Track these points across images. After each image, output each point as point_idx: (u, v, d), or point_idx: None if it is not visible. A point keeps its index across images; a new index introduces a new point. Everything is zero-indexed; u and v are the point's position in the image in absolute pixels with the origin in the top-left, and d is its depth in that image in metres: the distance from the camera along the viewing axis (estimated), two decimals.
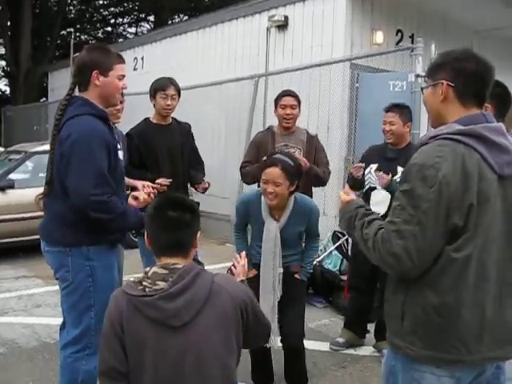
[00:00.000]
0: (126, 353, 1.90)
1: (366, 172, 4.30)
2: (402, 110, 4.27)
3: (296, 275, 3.57)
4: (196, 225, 2.07)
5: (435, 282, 1.81)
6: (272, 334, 3.38)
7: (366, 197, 4.27)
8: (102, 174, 2.75)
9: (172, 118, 4.49)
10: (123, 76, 2.93)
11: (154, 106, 4.38)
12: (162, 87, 4.31)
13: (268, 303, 3.43)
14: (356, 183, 4.28)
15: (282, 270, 3.48)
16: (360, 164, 4.29)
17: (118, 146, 3.04)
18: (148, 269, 1.98)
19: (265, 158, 3.99)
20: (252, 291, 2.21)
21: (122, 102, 4.03)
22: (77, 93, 2.92)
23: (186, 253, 2.02)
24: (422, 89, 2.08)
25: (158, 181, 3.92)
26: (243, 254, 2.61)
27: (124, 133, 4.27)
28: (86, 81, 2.85)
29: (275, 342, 3.47)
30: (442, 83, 1.93)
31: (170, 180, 4.04)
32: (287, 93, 4.68)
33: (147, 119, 4.49)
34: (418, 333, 1.85)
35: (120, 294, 1.97)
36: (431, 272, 1.80)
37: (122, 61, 2.94)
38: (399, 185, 1.92)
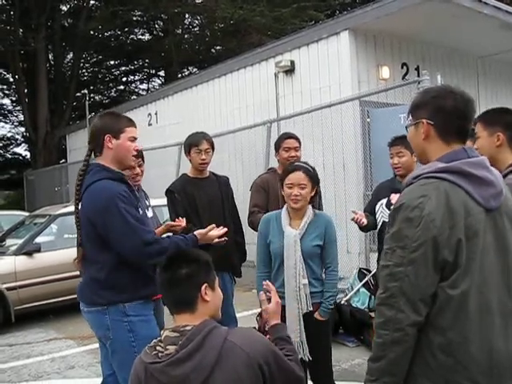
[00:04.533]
0: None
1: (376, 209, 4.33)
2: (407, 141, 4.32)
3: (315, 314, 3.44)
4: (198, 277, 2.01)
5: (436, 321, 1.80)
6: (301, 346, 3.39)
7: (382, 232, 4.24)
8: (141, 223, 2.90)
9: (209, 171, 4.53)
10: (135, 138, 3.05)
11: (190, 161, 4.43)
12: (195, 143, 4.36)
13: (293, 314, 3.40)
14: (367, 228, 4.33)
15: (306, 282, 3.41)
16: (357, 215, 4.15)
17: (143, 205, 3.13)
18: (162, 332, 1.99)
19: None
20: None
21: (140, 166, 4.07)
22: (93, 159, 3.05)
23: (191, 309, 1.99)
24: (406, 127, 2.10)
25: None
26: (269, 285, 2.55)
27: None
28: (100, 146, 2.98)
29: (305, 354, 3.41)
30: (423, 122, 1.96)
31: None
32: (290, 135, 4.70)
33: (185, 174, 4.53)
34: (428, 376, 1.83)
35: (138, 361, 1.99)
36: (431, 312, 1.80)
37: (132, 124, 3.07)
38: (387, 228, 1.92)
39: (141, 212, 3.10)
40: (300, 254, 3.41)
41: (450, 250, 1.77)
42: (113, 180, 2.92)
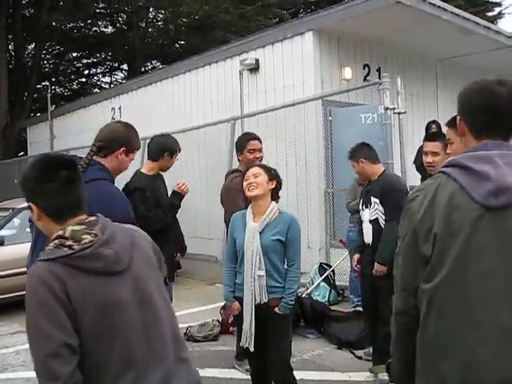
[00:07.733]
0: (77, 321, 1.71)
1: (372, 203, 4.66)
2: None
3: (276, 309, 3.54)
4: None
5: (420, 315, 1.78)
6: (249, 335, 3.57)
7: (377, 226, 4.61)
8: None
9: None
10: (132, 160, 3.12)
11: (155, 161, 4.34)
12: (175, 149, 4.33)
13: (248, 304, 3.57)
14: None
15: (262, 273, 3.54)
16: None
17: None
18: (59, 233, 1.81)
19: None
20: None
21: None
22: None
23: (86, 210, 1.92)
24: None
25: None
26: None
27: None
28: (111, 151, 2.96)
29: (250, 343, 3.58)
30: (459, 118, 1.92)
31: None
32: (254, 136, 4.81)
33: (140, 172, 4.41)
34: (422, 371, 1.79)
35: (45, 266, 1.74)
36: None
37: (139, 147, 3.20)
38: None
39: None
40: (258, 246, 3.54)
41: (428, 244, 1.73)
42: (111, 182, 2.96)
